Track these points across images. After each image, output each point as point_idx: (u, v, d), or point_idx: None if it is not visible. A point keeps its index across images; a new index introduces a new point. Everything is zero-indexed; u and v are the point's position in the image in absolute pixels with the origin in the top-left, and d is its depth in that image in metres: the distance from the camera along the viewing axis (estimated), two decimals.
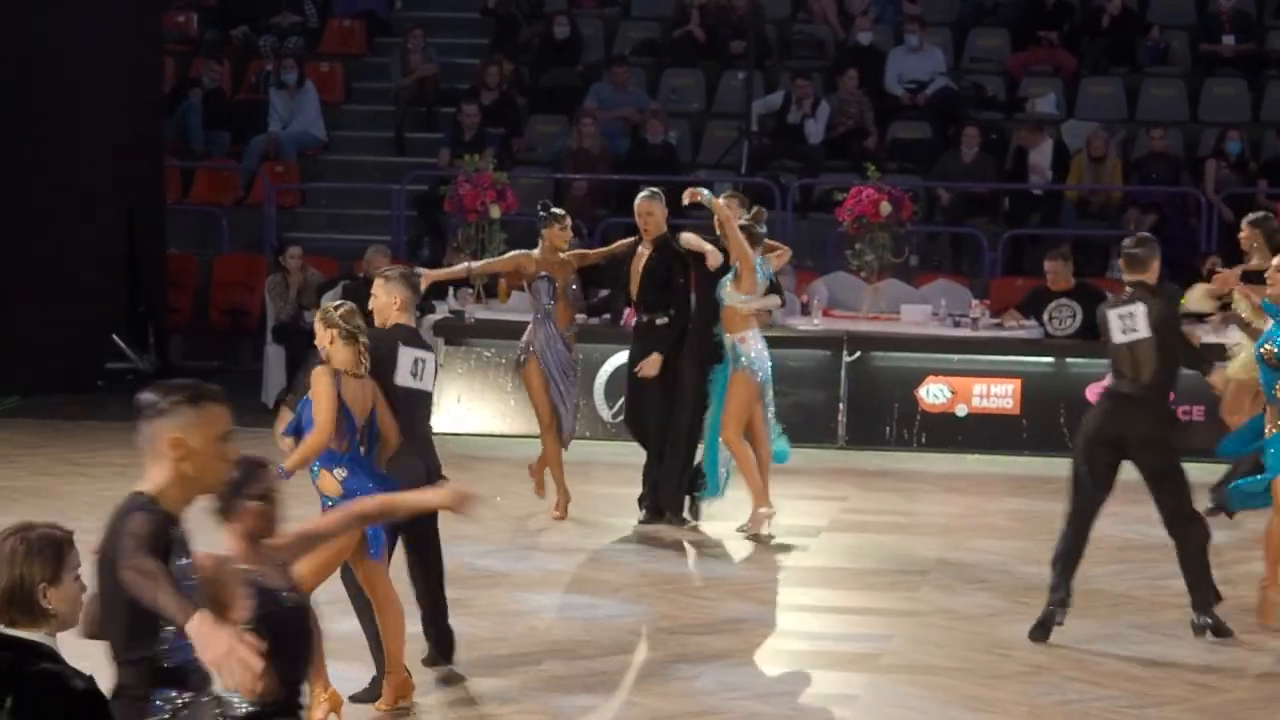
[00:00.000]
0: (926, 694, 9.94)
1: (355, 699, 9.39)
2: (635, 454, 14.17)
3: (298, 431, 9.15)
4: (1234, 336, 13.39)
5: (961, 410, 16.88)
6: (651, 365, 13.56)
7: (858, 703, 9.85)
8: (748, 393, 13.39)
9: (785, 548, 13.31)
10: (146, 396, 5.63)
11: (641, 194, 13.88)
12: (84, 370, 19.20)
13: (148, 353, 19.79)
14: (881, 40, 23.21)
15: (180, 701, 5.59)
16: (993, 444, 16.76)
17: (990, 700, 9.82)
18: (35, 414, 17.88)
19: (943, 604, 11.80)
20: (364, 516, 6.76)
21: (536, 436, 14.14)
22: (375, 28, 24.68)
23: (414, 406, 9.68)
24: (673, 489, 13.72)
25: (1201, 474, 12.20)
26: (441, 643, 10.09)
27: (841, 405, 16.99)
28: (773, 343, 13.96)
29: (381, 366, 9.40)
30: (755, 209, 14.16)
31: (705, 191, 13.55)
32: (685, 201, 13.62)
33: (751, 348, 13.37)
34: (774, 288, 13.80)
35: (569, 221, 13.91)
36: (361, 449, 9.17)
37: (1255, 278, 12.57)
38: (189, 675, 5.60)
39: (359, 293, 12.40)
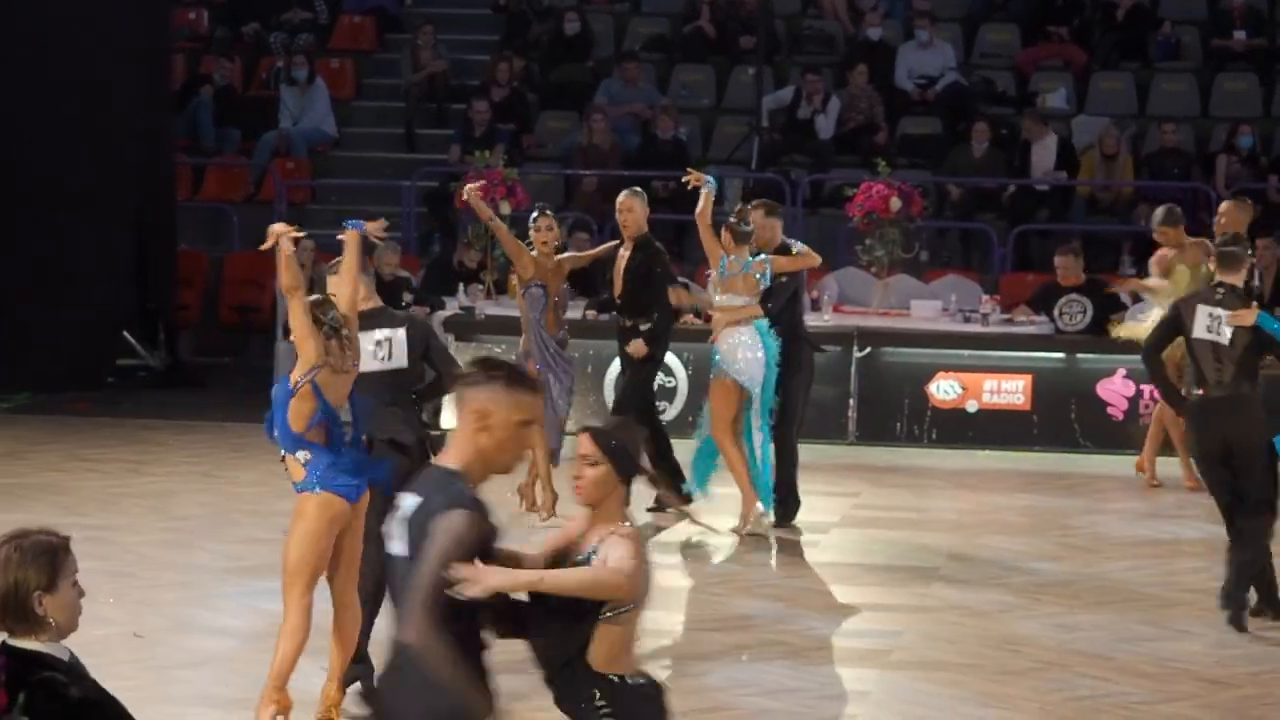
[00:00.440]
0: (938, 690, 9.93)
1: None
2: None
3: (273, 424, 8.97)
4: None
5: (972, 406, 16.85)
6: (637, 348, 13.63)
7: (869, 699, 9.85)
8: (723, 392, 13.32)
9: (795, 544, 13.30)
10: (468, 367, 5.71)
11: (624, 191, 13.91)
12: (94, 367, 19.20)
13: (158, 349, 19.81)
14: (891, 35, 23.21)
15: None
16: (1003, 440, 16.75)
17: (1002, 696, 9.80)
18: (45, 410, 17.87)
19: (954, 599, 11.79)
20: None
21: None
22: (385, 24, 24.70)
23: (385, 388, 9.68)
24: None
25: None
26: None
27: (852, 401, 16.98)
28: None
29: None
30: (739, 206, 14.09)
31: (710, 181, 13.39)
32: (689, 185, 13.45)
33: (731, 349, 13.21)
34: (772, 290, 13.45)
35: (553, 223, 13.82)
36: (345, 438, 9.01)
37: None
38: None
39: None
